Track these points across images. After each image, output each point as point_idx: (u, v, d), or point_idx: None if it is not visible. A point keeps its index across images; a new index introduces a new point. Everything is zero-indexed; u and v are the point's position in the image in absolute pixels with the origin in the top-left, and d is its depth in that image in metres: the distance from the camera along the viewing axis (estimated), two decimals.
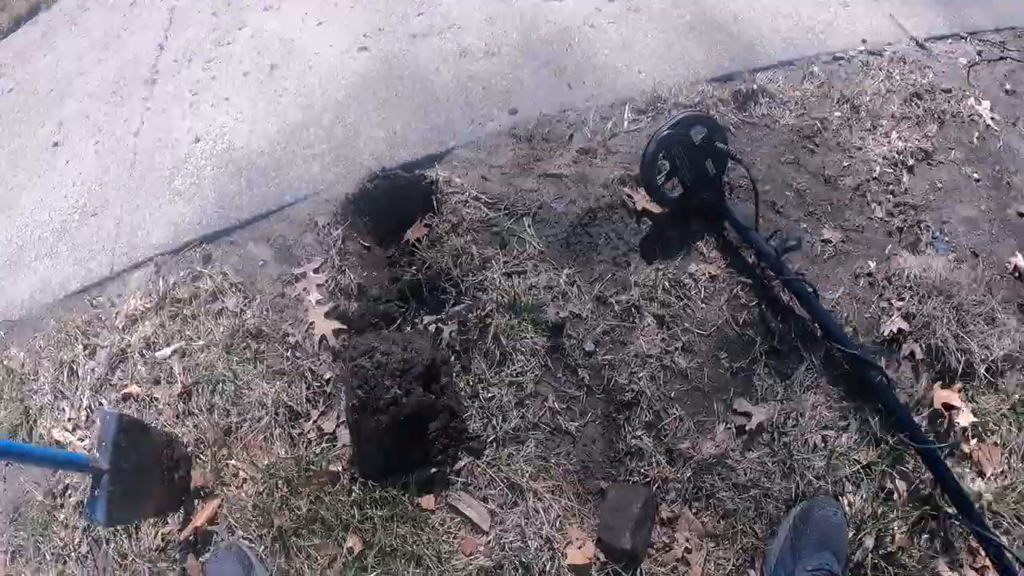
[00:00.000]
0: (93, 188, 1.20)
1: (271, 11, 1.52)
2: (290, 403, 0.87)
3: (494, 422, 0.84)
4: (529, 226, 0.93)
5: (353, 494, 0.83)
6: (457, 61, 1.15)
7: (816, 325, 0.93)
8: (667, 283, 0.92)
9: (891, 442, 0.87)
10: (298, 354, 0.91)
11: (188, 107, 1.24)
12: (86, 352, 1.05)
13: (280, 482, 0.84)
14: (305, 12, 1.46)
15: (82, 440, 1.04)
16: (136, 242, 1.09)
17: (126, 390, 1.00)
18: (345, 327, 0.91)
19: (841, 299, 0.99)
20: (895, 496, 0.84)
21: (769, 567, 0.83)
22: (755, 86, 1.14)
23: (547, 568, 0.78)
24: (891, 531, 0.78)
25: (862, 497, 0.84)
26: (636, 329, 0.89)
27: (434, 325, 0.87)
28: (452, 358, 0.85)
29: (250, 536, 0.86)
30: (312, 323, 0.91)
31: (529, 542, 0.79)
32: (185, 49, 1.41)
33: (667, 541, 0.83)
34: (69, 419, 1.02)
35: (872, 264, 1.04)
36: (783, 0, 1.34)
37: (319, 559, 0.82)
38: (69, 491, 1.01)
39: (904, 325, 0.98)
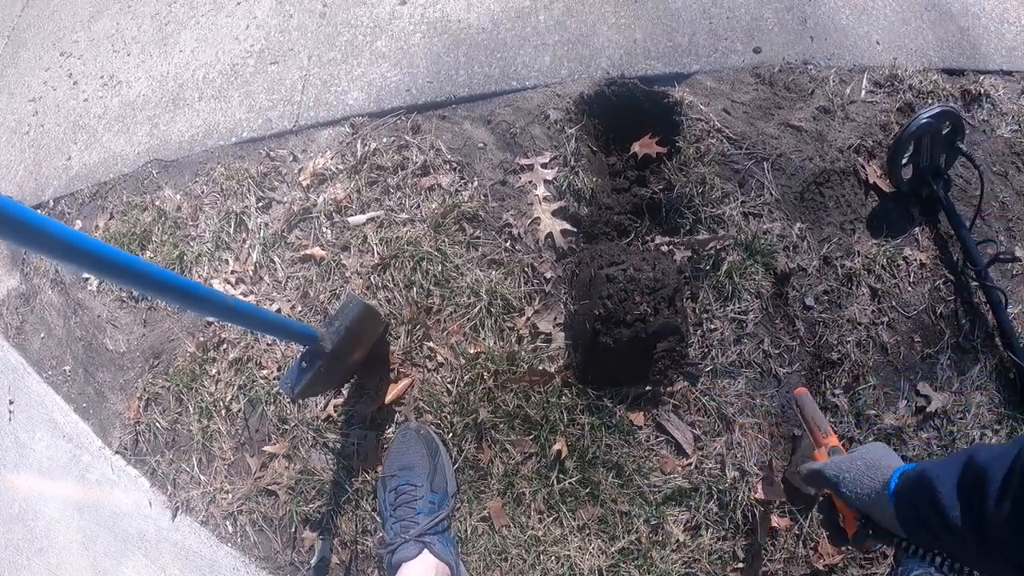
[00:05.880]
0: (272, 35, 1.21)
1: None
2: (508, 295, 0.96)
3: (713, 353, 0.97)
4: (768, 171, 1.04)
5: (564, 397, 0.95)
6: None
7: (999, 333, 1.11)
8: (885, 260, 1.06)
9: None
10: (518, 247, 0.99)
11: None
12: (259, 205, 1.10)
13: (487, 373, 0.94)
14: None
15: (245, 296, 1.09)
16: (327, 99, 1.12)
17: (307, 251, 1.07)
18: (574, 229, 1.00)
19: (1018, 315, 1.17)
20: None
21: None
22: (982, 90, 1.27)
23: (738, 498, 0.93)
24: None
25: None
26: (852, 296, 1.04)
27: (668, 247, 0.97)
28: (684, 283, 0.96)
29: (439, 421, 0.96)
30: (537, 219, 0.99)
31: (727, 471, 0.95)
32: None
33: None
34: (232, 272, 1.08)
35: None
36: (1010, 4, 1.46)
37: (515, 455, 0.94)
38: (225, 346, 1.08)
39: None
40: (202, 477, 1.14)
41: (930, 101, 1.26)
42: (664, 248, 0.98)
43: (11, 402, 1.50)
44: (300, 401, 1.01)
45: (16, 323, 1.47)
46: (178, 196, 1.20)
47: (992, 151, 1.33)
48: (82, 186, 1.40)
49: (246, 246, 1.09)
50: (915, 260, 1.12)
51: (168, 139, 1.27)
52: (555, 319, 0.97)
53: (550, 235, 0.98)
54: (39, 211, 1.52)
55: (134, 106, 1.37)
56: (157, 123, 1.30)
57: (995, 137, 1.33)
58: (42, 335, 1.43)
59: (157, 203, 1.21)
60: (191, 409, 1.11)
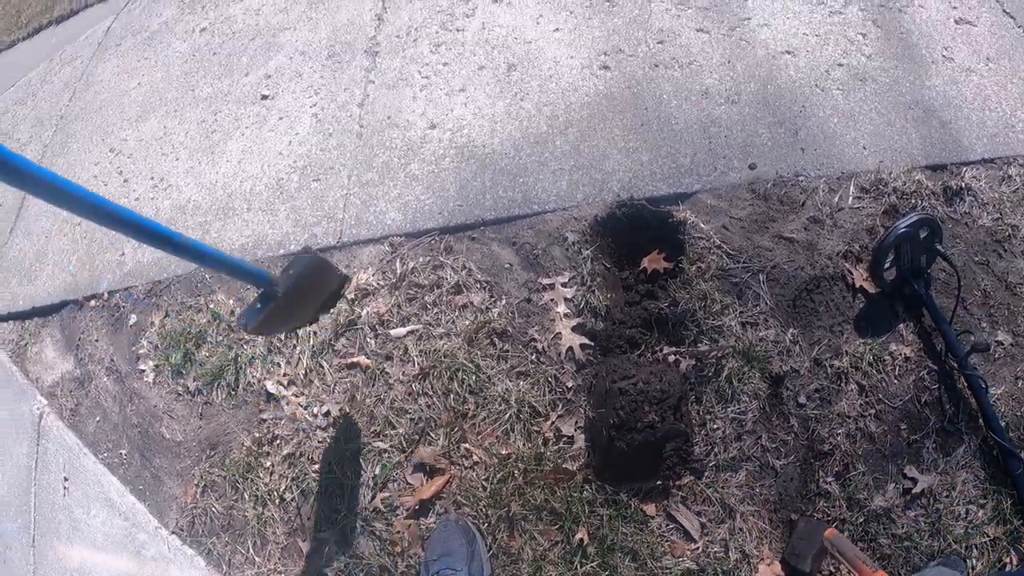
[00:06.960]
0: (314, 152, 1.42)
1: (501, 4, 1.67)
2: (534, 403, 1.16)
3: (716, 450, 1.16)
4: (763, 282, 1.23)
5: (585, 492, 1.14)
6: (699, 101, 1.41)
7: (981, 415, 1.30)
8: (872, 357, 1.25)
9: (1016, 524, 1.25)
10: (543, 360, 1.19)
11: (419, 90, 1.45)
12: None
13: (517, 471, 1.14)
14: (539, 15, 1.63)
15: (297, 396, 1.30)
16: (367, 218, 1.33)
17: (352, 359, 1.27)
18: (591, 343, 1.20)
19: (1001, 396, 1.35)
20: (1007, 567, 1.23)
21: None
22: (963, 183, 1.46)
23: None
24: None
25: (983, 564, 1.23)
26: (841, 392, 1.23)
27: (674, 357, 1.17)
28: (689, 389, 1.16)
29: (475, 513, 1.16)
30: (559, 334, 1.19)
31: (730, 554, 1.13)
32: (408, 26, 1.59)
33: (832, 570, 1.19)
34: (284, 374, 1.28)
35: None
36: (991, 90, 1.66)
37: (542, 543, 1.13)
38: (279, 441, 1.28)
39: None
40: (256, 558, 1.33)
41: (913, 202, 1.46)
42: (671, 358, 1.17)
43: (66, 479, 1.71)
44: (257, 337, 1.19)
45: (71, 405, 1.69)
46: (231, 301, 1.41)
47: (974, 241, 1.52)
48: (136, 282, 1.61)
49: (296, 351, 1.29)
50: (900, 354, 1.31)
51: (219, 245, 1.48)
52: (576, 423, 1.16)
53: (571, 349, 1.18)
54: (93, 301, 1.74)
55: (184, 210, 1.59)
56: (208, 229, 1.51)
57: (976, 228, 1.52)
58: (97, 419, 1.64)
59: (211, 306, 1.41)
60: (246, 497, 1.31)
